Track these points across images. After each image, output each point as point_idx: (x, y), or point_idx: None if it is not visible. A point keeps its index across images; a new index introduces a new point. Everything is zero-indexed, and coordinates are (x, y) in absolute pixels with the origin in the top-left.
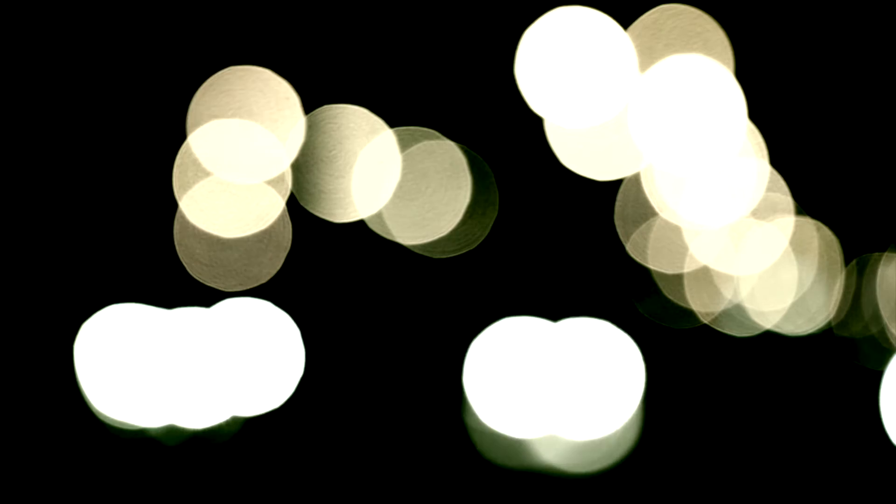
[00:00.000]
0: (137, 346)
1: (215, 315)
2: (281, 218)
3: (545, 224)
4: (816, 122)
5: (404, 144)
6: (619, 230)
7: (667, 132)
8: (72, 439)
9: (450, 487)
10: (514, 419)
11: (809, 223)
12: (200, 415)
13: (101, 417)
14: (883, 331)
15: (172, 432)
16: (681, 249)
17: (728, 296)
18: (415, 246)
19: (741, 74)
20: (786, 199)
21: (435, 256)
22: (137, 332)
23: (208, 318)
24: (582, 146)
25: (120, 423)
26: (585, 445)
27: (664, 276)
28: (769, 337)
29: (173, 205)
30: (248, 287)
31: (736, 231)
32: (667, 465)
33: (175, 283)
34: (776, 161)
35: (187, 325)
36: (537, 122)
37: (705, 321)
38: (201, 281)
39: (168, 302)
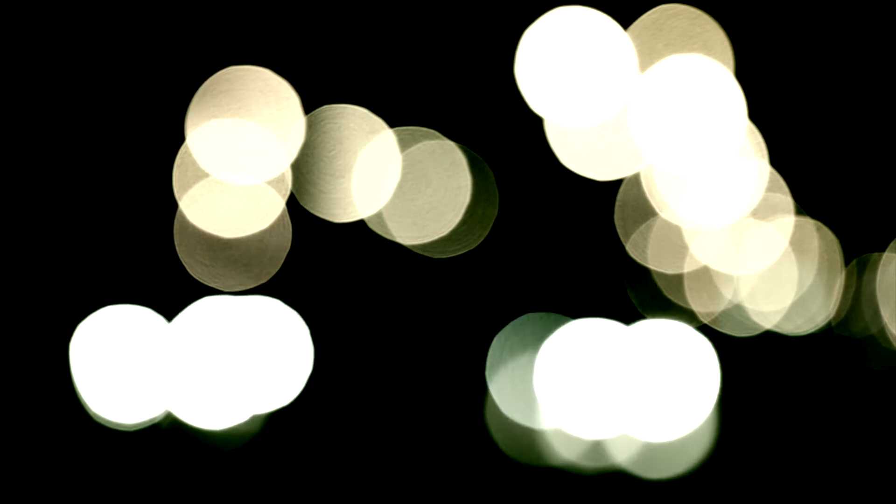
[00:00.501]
0: (133, 347)
1: (212, 315)
2: (281, 218)
3: (545, 224)
4: (816, 122)
5: (404, 144)
6: (619, 230)
7: (667, 132)
8: (67, 440)
9: (458, 481)
10: (532, 412)
11: (809, 223)
12: (199, 415)
13: (97, 419)
14: (883, 331)
15: (179, 429)
16: (681, 249)
17: (728, 296)
18: (415, 246)
19: (741, 74)
20: (786, 199)
21: (435, 256)
22: (134, 333)
23: (205, 318)
24: (582, 146)
25: (116, 424)
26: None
27: (664, 276)
28: (769, 337)
29: (173, 205)
30: (248, 287)
31: (736, 231)
32: (666, 465)
33: (175, 284)
34: (776, 161)
35: (184, 325)
36: (537, 122)
37: (705, 321)
38: (201, 281)
39: (167, 302)
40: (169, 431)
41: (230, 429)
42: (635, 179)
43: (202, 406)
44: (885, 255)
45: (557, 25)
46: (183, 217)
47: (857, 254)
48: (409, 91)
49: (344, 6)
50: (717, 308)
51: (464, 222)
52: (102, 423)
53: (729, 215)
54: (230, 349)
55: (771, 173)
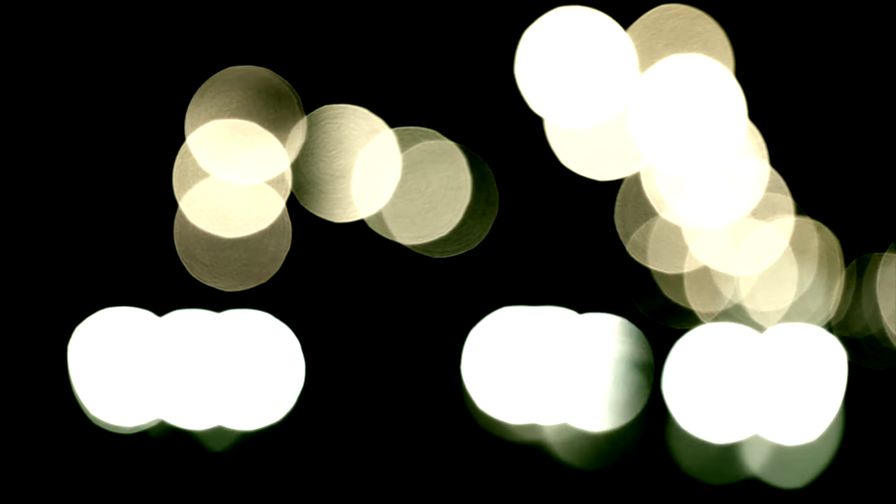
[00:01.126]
0: (131, 349)
1: (212, 317)
2: (281, 218)
3: (545, 224)
4: (816, 122)
5: (404, 144)
6: (619, 230)
7: (667, 132)
8: (65, 442)
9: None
10: (513, 411)
11: (809, 223)
12: (195, 418)
13: (95, 421)
14: (883, 331)
15: (174, 431)
16: (681, 249)
17: (728, 296)
18: (415, 246)
19: (741, 74)
20: (786, 199)
21: (435, 256)
22: (132, 336)
23: (204, 319)
24: (582, 146)
25: (113, 426)
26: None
27: (664, 276)
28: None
29: (173, 205)
30: (249, 287)
31: (736, 231)
32: (660, 463)
33: (174, 284)
34: (776, 161)
35: (183, 327)
36: (537, 122)
37: (705, 321)
38: (202, 281)
39: (167, 303)
40: (164, 434)
41: (227, 430)
42: (635, 179)
43: (198, 409)
44: (885, 255)
45: (557, 25)
46: (183, 217)
47: (857, 254)
48: (409, 91)
49: (344, 6)
50: (717, 308)
51: (464, 222)
52: (100, 425)
53: (729, 215)
54: (227, 352)
55: (771, 173)
